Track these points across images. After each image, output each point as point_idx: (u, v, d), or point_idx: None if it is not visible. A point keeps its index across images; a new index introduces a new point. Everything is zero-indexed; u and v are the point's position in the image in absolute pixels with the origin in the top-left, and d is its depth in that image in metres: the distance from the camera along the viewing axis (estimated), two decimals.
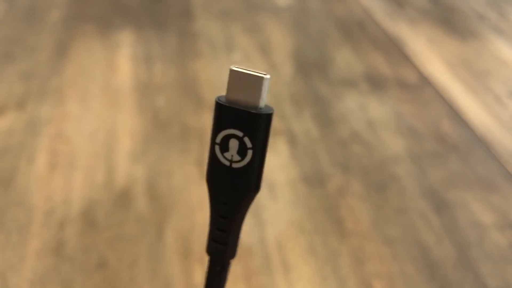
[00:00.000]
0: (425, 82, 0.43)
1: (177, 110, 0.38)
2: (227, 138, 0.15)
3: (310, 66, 0.45)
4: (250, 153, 0.15)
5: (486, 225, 0.30)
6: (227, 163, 0.15)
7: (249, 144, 0.15)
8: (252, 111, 0.15)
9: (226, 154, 0.15)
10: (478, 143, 0.37)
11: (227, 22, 0.52)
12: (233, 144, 0.15)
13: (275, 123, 0.37)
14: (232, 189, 0.16)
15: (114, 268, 0.26)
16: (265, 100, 0.15)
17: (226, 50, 0.47)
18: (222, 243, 0.17)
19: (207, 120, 0.37)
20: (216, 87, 0.41)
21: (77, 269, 0.26)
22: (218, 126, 0.15)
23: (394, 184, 0.33)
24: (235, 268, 0.26)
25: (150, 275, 0.26)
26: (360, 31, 0.51)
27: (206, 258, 0.27)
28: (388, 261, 0.28)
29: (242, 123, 0.15)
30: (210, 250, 0.17)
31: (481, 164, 0.35)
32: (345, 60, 0.46)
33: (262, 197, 0.31)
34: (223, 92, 0.16)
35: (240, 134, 0.15)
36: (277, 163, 0.34)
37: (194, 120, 0.37)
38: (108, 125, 0.37)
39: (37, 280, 0.26)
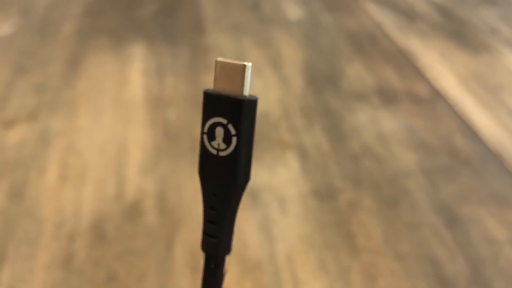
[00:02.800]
0: (437, 96, 0.43)
1: (188, 124, 0.38)
2: (213, 127, 0.15)
3: (321, 79, 0.45)
4: (234, 140, 0.15)
5: (500, 241, 0.30)
6: (215, 152, 0.16)
7: (233, 131, 0.15)
8: (235, 98, 0.15)
9: (213, 143, 0.16)
10: (492, 157, 0.36)
11: (238, 35, 0.52)
12: (219, 132, 0.15)
13: (286, 136, 0.37)
14: (220, 179, 0.16)
15: (123, 281, 0.26)
16: (248, 88, 0.15)
17: None
18: (214, 236, 0.17)
19: None
20: None
21: (86, 282, 0.26)
22: (205, 115, 0.16)
23: (406, 199, 0.32)
24: (245, 283, 0.26)
25: None
26: (372, 45, 0.51)
27: None
28: (400, 278, 0.27)
29: (225, 110, 0.15)
30: (204, 245, 0.17)
31: (494, 179, 0.34)
32: (356, 73, 0.46)
33: (272, 211, 0.31)
34: None
35: (224, 121, 0.15)
36: (288, 177, 0.34)
37: None
38: (119, 138, 0.37)
39: None
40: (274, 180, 0.33)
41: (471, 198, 0.33)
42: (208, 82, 0.44)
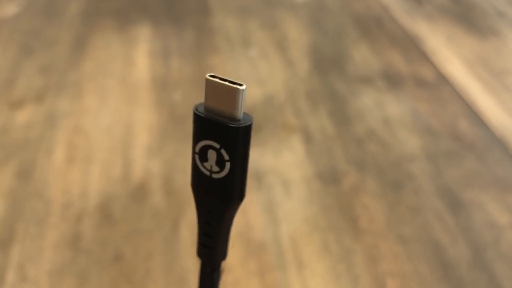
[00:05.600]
0: (442, 80, 0.43)
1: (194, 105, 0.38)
2: (205, 149, 0.15)
3: (327, 62, 0.45)
4: (228, 165, 0.15)
5: (502, 226, 0.30)
6: (207, 173, 0.15)
7: (226, 157, 0.14)
8: (229, 124, 0.14)
9: (205, 164, 0.15)
10: (496, 143, 0.36)
11: (244, 18, 0.52)
12: (212, 155, 0.15)
13: (291, 119, 0.37)
14: (214, 198, 0.16)
15: (129, 261, 0.27)
16: (242, 110, 0.14)
17: (243, 46, 0.47)
18: (210, 248, 0.17)
19: None
20: None
21: (93, 262, 0.27)
22: (196, 136, 0.15)
23: (410, 183, 0.32)
24: (249, 264, 0.27)
25: (165, 269, 0.26)
26: (378, 28, 0.51)
27: None
28: (402, 260, 0.27)
29: (218, 135, 0.14)
30: (200, 253, 0.17)
31: (498, 164, 0.34)
32: (362, 56, 0.46)
33: (276, 194, 0.31)
34: None
35: (217, 146, 0.14)
36: (292, 160, 0.34)
37: None
38: (125, 120, 0.37)
39: (55, 271, 0.26)
40: (279, 163, 0.34)
41: (474, 183, 0.33)
42: (214, 64, 0.44)
